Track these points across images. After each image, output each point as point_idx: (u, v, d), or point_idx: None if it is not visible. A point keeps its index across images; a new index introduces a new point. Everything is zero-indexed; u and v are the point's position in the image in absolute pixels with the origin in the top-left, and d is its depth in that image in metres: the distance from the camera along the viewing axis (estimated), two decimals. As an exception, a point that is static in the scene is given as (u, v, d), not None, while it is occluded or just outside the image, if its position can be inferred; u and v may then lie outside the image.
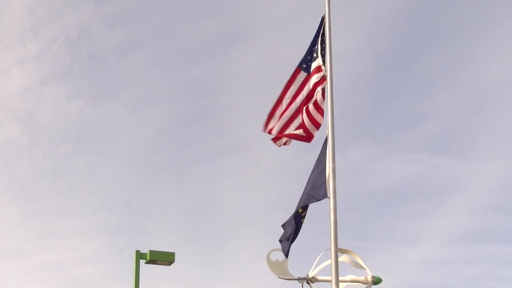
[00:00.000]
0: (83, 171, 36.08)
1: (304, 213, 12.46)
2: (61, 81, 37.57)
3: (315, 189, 12.14)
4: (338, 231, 11.71)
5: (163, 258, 15.13)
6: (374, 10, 34.59)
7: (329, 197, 11.92)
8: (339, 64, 12.92)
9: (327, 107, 12.43)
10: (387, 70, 35.60)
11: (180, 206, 34.37)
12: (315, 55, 12.78)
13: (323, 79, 12.59)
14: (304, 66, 12.79)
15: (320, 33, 12.85)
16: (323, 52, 12.75)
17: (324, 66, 12.68)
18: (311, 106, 12.48)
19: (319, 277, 13.44)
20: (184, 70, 36.73)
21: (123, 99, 37.24)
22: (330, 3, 13.00)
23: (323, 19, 12.92)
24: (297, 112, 12.71)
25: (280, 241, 12.74)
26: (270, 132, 12.73)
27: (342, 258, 13.53)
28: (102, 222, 34.54)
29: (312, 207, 12.32)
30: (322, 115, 12.44)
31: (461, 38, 35.22)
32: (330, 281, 11.76)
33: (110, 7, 37.01)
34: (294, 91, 12.79)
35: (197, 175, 35.03)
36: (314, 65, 12.76)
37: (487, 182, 33.17)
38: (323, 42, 12.80)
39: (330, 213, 11.78)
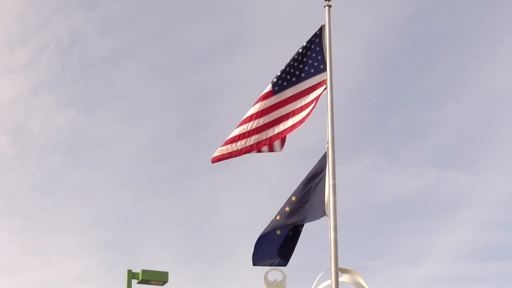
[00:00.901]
0: (74, 185, 36.11)
1: (295, 227, 12.44)
2: (51, 91, 37.70)
3: (314, 207, 12.13)
4: (339, 249, 11.71)
5: (156, 278, 15.12)
6: (377, 15, 34.72)
7: (328, 215, 11.91)
8: (340, 73, 12.96)
9: (326, 119, 12.44)
10: (391, 79, 35.69)
11: (175, 221, 34.40)
12: (321, 67, 12.77)
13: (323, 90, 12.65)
14: (276, 88, 12.78)
15: (313, 44, 12.85)
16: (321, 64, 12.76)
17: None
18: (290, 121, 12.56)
19: (319, 298, 13.39)
20: (180, 78, 36.84)
21: (117, 109, 37.33)
22: (331, 8, 13.02)
23: (321, 29, 12.94)
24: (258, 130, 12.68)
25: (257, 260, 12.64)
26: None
27: (343, 278, 13.47)
28: (93, 239, 34.55)
29: (313, 223, 12.31)
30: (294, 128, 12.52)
31: (469, 45, 35.33)
32: (330, 302, 11.75)
33: (103, 13, 37.18)
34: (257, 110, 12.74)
35: (193, 188, 35.07)
36: (318, 79, 12.77)
37: (495, 196, 33.21)
38: (318, 51, 12.80)
39: (330, 231, 11.77)
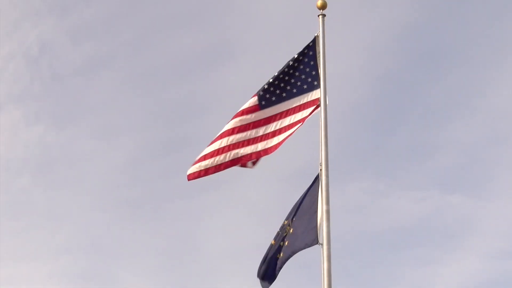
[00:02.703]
0: (43, 208, 35.95)
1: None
2: (18, 105, 37.61)
3: (305, 234, 12.18)
4: (333, 280, 11.71)
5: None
6: (376, 25, 34.89)
7: (321, 244, 11.94)
8: (335, 88, 13.01)
9: (320, 139, 12.49)
10: (391, 94, 35.81)
11: (155, 249, 34.24)
12: (315, 83, 12.84)
13: (315, 108, 12.71)
14: (263, 102, 12.86)
15: (305, 56, 12.93)
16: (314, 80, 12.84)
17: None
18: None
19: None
20: (160, 91, 36.81)
21: (90, 125, 37.24)
22: (326, 18, 13.14)
23: (314, 40, 13.02)
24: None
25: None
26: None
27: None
28: (65, 267, 34.37)
29: (304, 252, 12.35)
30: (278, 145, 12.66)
31: (477, 59, 35.50)
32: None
33: (75, 20, 37.17)
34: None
35: (174, 212, 34.98)
36: (311, 96, 12.84)
37: (505, 224, 33.23)
38: (312, 65, 12.88)
39: (323, 261, 11.79)
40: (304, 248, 12.18)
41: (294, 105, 12.85)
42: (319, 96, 12.76)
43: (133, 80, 37.02)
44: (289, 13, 31.57)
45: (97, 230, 34.74)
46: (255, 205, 31.14)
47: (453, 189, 34.77)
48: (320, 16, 13.14)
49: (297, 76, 12.93)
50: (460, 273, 32.70)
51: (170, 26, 37.01)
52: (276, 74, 12.92)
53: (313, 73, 12.91)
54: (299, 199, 12.65)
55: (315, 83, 12.86)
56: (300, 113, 12.81)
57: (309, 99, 12.86)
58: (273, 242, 12.62)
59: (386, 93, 35.64)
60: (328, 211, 12.06)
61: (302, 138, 13.31)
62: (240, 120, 12.78)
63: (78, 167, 36.50)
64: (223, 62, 35.96)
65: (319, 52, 12.95)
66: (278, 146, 12.67)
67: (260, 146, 12.69)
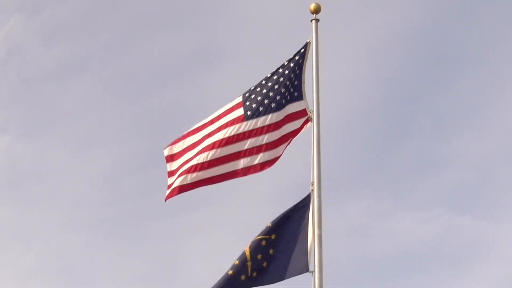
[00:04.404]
0: (10, 227, 35.91)
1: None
2: (-17, 113, 37.56)
3: (294, 260, 12.17)
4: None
5: None
6: (376, 28, 34.91)
7: (312, 272, 11.94)
8: (331, 98, 13.03)
9: (311, 156, 12.51)
10: (395, 105, 35.82)
11: (133, 272, 34.21)
12: (296, 94, 12.87)
13: (305, 122, 12.74)
14: (248, 113, 12.88)
15: (296, 64, 12.96)
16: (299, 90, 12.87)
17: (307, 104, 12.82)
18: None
19: None
20: (142, 98, 36.81)
21: (63, 135, 37.23)
22: (319, 23, 13.15)
23: (306, 47, 13.04)
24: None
25: None
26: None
27: None
28: (33, 292, 34.31)
29: (292, 280, 12.33)
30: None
31: (491, 65, 35.50)
32: None
33: (47, 19, 37.16)
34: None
35: (156, 234, 34.90)
36: (302, 106, 12.85)
37: (518, 248, 33.25)
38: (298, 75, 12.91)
39: (314, 291, 11.84)
40: (292, 276, 12.13)
41: (284, 116, 12.85)
42: (303, 107, 12.79)
43: (112, 86, 37.04)
44: (281, 18, 31.71)
45: (69, 252, 34.70)
46: (243, 225, 31.08)
47: (462, 209, 34.78)
48: (314, 21, 13.15)
49: (287, 85, 12.93)
50: (468, 302, 32.71)
51: (153, 28, 37.03)
52: (263, 82, 12.93)
53: (296, 83, 12.94)
54: (283, 217, 12.56)
55: (296, 94, 12.91)
56: (291, 124, 12.82)
57: (300, 108, 12.90)
58: (236, 262, 12.43)
59: (388, 103, 35.66)
60: (320, 236, 12.06)
61: (295, 152, 13.30)
62: (223, 133, 12.76)
63: (49, 182, 36.48)
64: (211, 67, 35.95)
65: (307, 59, 12.99)
66: (265, 167, 12.66)
67: (243, 162, 12.66)
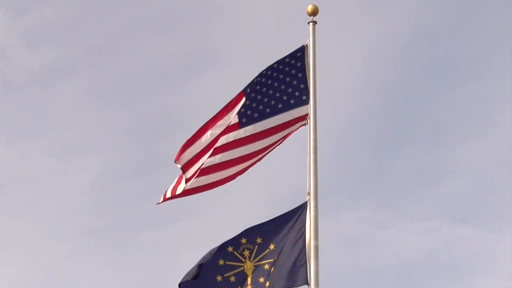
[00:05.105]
0: (-8, 237, 35.85)
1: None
2: (-35, 118, 37.53)
3: (290, 272, 12.16)
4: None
5: None
6: (375, 32, 34.91)
7: (309, 284, 11.94)
8: (327, 104, 13.02)
9: (308, 165, 12.50)
10: (394, 112, 35.83)
11: (122, 284, 34.16)
12: (304, 98, 12.88)
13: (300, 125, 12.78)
14: (243, 120, 12.87)
15: (292, 68, 12.97)
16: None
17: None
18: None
19: None
20: (131, 104, 36.76)
21: (49, 141, 37.16)
22: (317, 25, 13.20)
23: (303, 50, 13.04)
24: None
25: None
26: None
27: None
28: (16, 305, 34.27)
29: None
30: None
31: (494, 70, 35.54)
32: None
33: (32, 21, 37.06)
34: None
35: (145, 244, 34.86)
36: (300, 112, 12.86)
37: (522, 260, 33.28)
38: (300, 78, 12.93)
39: (310, 304, 11.84)
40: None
41: (280, 123, 12.86)
42: (308, 112, 12.79)
43: (99, 91, 36.97)
44: (278, 20, 31.69)
45: (55, 262, 34.64)
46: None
47: (463, 219, 34.76)
48: (311, 24, 13.18)
49: (283, 90, 12.96)
50: (471, 316, 32.74)
51: (144, 30, 36.99)
52: (258, 87, 12.95)
53: (302, 86, 12.94)
54: (278, 227, 12.57)
55: (304, 97, 12.90)
56: (287, 130, 12.85)
57: (297, 115, 12.88)
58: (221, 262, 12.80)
59: (388, 109, 35.64)
60: (316, 247, 12.06)
61: (290, 160, 13.28)
62: (219, 141, 12.78)
63: (34, 189, 36.39)
64: (204, 71, 35.93)
65: (308, 63, 12.98)
66: (248, 168, 12.74)
67: (234, 169, 12.71)
